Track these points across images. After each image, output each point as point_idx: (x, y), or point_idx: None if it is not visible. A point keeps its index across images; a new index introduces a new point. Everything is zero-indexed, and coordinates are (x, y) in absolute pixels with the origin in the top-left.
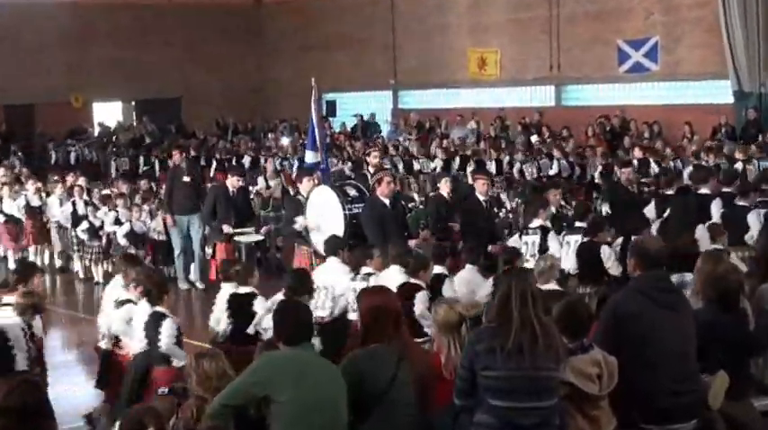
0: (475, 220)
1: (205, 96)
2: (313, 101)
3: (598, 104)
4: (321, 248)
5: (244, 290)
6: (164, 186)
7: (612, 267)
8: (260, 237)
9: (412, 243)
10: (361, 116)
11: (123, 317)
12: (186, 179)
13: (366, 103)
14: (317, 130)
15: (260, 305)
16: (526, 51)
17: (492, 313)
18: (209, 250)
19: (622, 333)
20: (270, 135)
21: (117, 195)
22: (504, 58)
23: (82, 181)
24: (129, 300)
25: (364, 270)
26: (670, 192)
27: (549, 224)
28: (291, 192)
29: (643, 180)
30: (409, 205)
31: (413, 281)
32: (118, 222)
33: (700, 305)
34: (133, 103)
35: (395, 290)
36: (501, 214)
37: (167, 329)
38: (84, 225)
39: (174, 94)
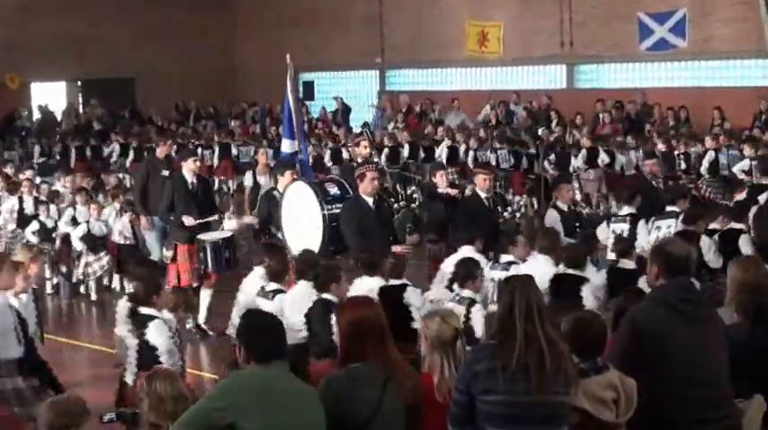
0: (475, 221)
1: (163, 77)
2: (289, 81)
3: (616, 87)
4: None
5: (394, 282)
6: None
7: (713, 260)
8: (227, 234)
9: (397, 248)
10: (341, 99)
11: (277, 307)
12: (166, 173)
13: (348, 85)
14: (294, 115)
15: (415, 297)
16: (534, 25)
17: (493, 328)
18: (168, 253)
19: (642, 351)
20: (233, 122)
21: (77, 190)
22: (508, 32)
23: (29, 174)
24: (280, 290)
25: (505, 258)
26: (766, 181)
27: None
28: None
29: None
30: (397, 205)
31: (572, 272)
32: (75, 222)
33: (735, 319)
34: (79, 83)
35: (542, 282)
36: (506, 213)
37: None
38: (35, 226)
39: (127, 74)
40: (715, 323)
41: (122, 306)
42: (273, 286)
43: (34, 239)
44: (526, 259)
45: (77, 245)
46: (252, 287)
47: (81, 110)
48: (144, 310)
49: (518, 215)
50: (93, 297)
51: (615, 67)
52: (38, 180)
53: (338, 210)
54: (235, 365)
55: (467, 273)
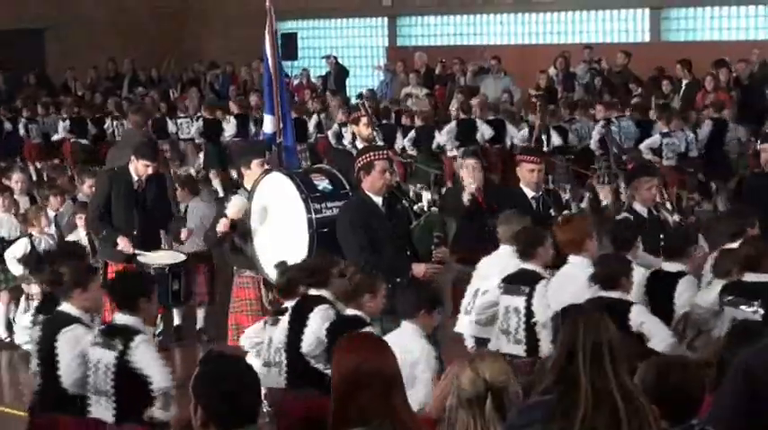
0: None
1: (84, 28)
2: (268, 35)
3: (720, 39)
4: (272, 273)
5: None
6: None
7: None
8: (180, 258)
9: (420, 268)
10: (335, 58)
11: None
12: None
13: (345, 39)
14: (274, 84)
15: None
16: None
17: (547, 378)
18: None
19: (760, 409)
20: (173, 92)
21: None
22: None
23: None
24: None
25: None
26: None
27: None
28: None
29: None
30: (416, 206)
31: None
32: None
33: None
34: None
35: None
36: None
37: None
38: None
39: (33, 24)
40: None
41: None
42: None
43: None
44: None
45: (15, 269)
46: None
47: None
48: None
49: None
50: None
51: (718, 11)
52: None
53: (329, 212)
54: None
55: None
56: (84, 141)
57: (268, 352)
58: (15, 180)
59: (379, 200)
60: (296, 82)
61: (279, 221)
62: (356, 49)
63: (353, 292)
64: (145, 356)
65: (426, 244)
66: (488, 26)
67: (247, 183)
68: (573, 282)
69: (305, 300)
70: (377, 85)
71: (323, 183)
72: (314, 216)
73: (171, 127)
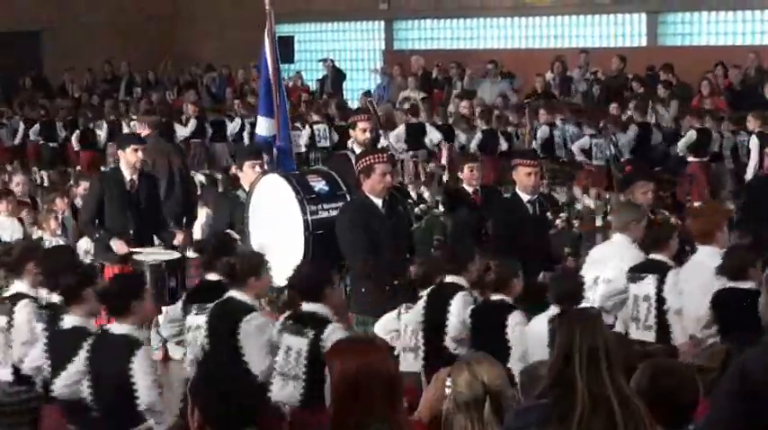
0: (514, 233)
1: (81, 30)
2: (267, 37)
3: (718, 44)
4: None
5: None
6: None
7: None
8: (174, 255)
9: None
10: (332, 61)
11: None
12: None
13: (342, 42)
14: (273, 85)
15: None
16: None
17: (543, 382)
18: None
19: (758, 410)
20: (169, 94)
21: (2, 193)
22: None
23: None
24: None
25: None
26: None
27: None
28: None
29: None
30: (417, 208)
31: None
32: None
33: None
34: None
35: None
36: (558, 222)
37: None
38: None
39: (30, 27)
40: None
41: None
42: None
43: None
44: None
45: None
46: None
47: None
48: None
49: (577, 224)
50: None
51: (715, 16)
52: None
53: (325, 214)
54: None
55: None
56: (52, 144)
57: (404, 338)
58: (16, 182)
59: (379, 201)
60: (290, 84)
61: (275, 223)
62: (353, 52)
63: (502, 281)
64: None
65: (427, 246)
66: (485, 30)
67: (243, 183)
68: (702, 271)
69: (442, 287)
70: (374, 89)
71: (319, 185)
72: (309, 217)
73: (125, 128)
